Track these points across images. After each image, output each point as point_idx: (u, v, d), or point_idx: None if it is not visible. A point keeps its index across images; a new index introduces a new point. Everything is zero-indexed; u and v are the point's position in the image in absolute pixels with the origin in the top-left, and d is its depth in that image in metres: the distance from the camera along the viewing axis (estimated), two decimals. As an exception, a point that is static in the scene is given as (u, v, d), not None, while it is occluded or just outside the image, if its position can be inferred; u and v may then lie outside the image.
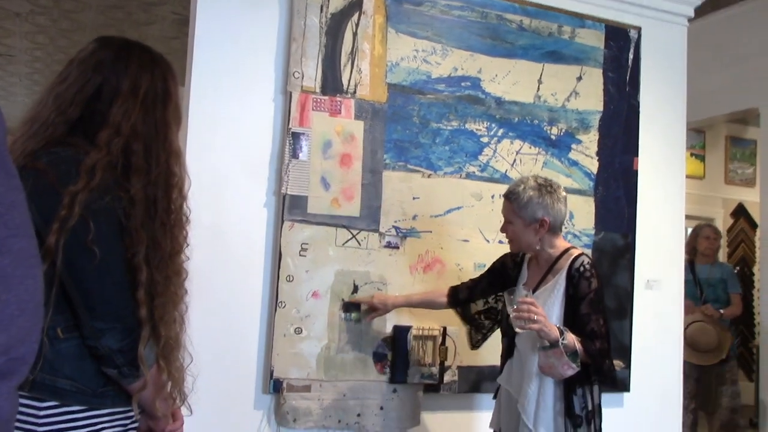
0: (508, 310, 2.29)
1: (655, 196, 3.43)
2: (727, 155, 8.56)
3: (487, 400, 3.01)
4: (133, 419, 1.61)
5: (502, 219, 2.51)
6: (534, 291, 2.43)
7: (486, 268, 2.76)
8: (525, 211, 2.41)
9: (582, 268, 2.36)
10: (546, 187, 2.43)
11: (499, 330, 2.68)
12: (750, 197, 7.93)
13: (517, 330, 2.28)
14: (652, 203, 3.42)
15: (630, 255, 3.31)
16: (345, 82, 2.82)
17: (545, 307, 2.33)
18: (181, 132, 2.28)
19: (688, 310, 4.99)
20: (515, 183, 2.49)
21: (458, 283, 2.76)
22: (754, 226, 8.04)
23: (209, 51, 2.65)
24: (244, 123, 2.70)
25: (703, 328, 4.97)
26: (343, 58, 2.83)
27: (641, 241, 3.36)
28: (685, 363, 4.95)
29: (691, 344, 4.95)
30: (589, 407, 2.36)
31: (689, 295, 5.03)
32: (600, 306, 2.38)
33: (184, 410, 1.75)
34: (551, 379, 2.34)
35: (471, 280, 2.76)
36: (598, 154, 3.29)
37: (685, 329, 4.92)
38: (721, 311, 5.04)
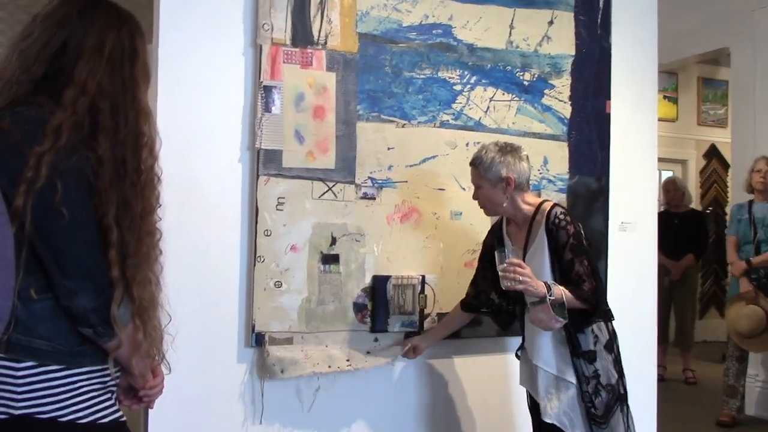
0: (498, 270, 2.40)
1: (627, 139, 3.45)
2: (699, 97, 8.62)
3: (467, 345, 3.07)
4: (113, 377, 1.62)
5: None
6: (525, 251, 2.56)
7: (477, 260, 2.87)
8: (490, 172, 2.57)
9: (557, 219, 2.51)
10: (506, 148, 2.60)
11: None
12: (722, 138, 8.01)
13: (504, 288, 2.41)
14: (625, 146, 3.44)
15: (604, 198, 3.35)
16: (315, 33, 2.79)
17: (537, 264, 2.47)
18: (150, 90, 2.25)
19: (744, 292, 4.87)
20: (478, 149, 2.66)
21: (440, 244, 2.80)
22: (726, 166, 8.14)
23: (175, 5, 2.59)
24: (214, 78, 2.66)
25: (748, 312, 4.76)
26: (313, 9, 2.79)
27: (615, 184, 3.39)
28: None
29: (737, 332, 4.84)
30: (603, 340, 2.53)
31: (741, 234, 5.00)
32: (581, 248, 2.52)
33: (163, 369, 1.76)
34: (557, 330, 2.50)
35: (471, 284, 2.86)
36: (570, 98, 3.30)
37: (734, 316, 4.86)
38: (749, 260, 4.83)
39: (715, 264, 8.27)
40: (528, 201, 2.61)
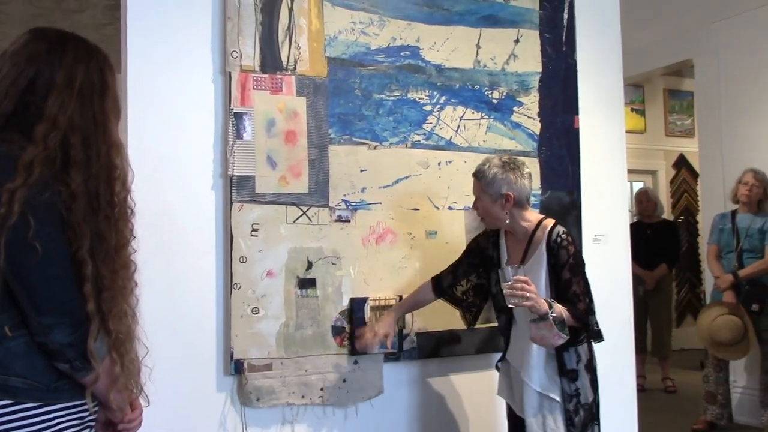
0: (502, 287, 2.43)
1: (597, 152, 3.50)
2: (666, 108, 8.76)
3: (447, 364, 3.07)
4: (91, 411, 1.61)
5: (453, 186, 2.74)
6: (522, 264, 2.59)
7: (463, 251, 2.90)
8: (491, 188, 2.60)
9: (559, 239, 2.55)
10: (509, 164, 2.62)
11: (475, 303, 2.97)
12: (690, 147, 8.13)
13: (510, 305, 2.44)
14: (595, 160, 3.49)
15: (576, 212, 3.38)
16: (284, 58, 2.81)
17: (533, 280, 2.49)
18: (120, 120, 2.25)
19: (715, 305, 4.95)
20: (482, 162, 2.68)
21: (407, 248, 2.80)
22: (695, 175, 8.25)
23: (143, 36, 2.60)
24: (184, 106, 2.66)
25: (727, 322, 4.81)
26: (281, 35, 2.81)
27: (586, 197, 3.43)
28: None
29: (714, 341, 4.88)
30: (584, 359, 2.58)
31: (723, 243, 5.05)
32: (579, 268, 2.58)
33: (141, 401, 1.75)
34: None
35: (451, 265, 2.87)
36: (539, 115, 3.34)
37: (708, 325, 4.92)
38: (736, 273, 4.86)
39: (689, 272, 8.36)
40: (527, 218, 2.64)
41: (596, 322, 2.63)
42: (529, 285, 2.38)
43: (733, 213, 5.07)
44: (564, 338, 2.42)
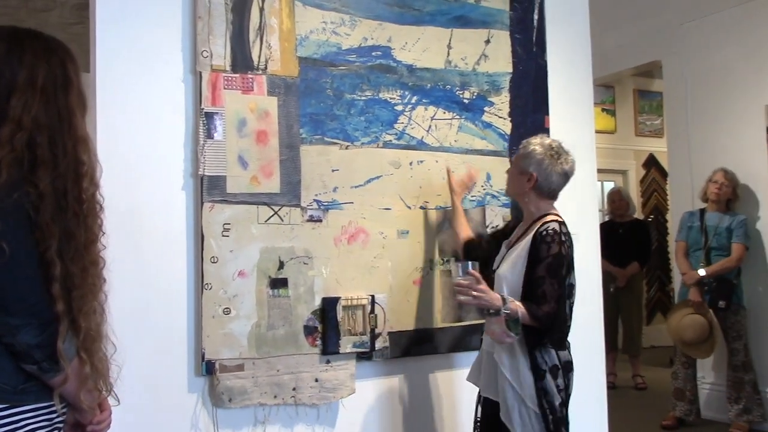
0: (453, 282, 2.46)
1: (567, 152, 3.52)
2: (636, 108, 8.86)
3: (418, 363, 3.08)
4: (59, 413, 1.59)
5: (425, 186, 2.82)
6: (510, 248, 2.62)
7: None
8: (523, 160, 2.64)
9: (544, 232, 2.51)
10: (551, 151, 2.61)
11: None
12: (660, 147, 8.23)
13: (457, 302, 2.50)
14: (565, 159, 3.51)
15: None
16: (255, 58, 2.80)
17: (513, 269, 2.51)
18: (90, 119, 2.23)
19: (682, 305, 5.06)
20: (535, 136, 2.75)
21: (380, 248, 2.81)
22: (665, 175, 8.36)
23: (112, 35, 2.58)
24: (154, 106, 2.64)
25: (691, 322, 4.92)
26: (252, 34, 2.80)
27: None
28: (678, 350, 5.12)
29: (681, 340, 4.99)
30: (550, 364, 2.51)
31: (692, 241, 5.14)
32: (557, 271, 2.49)
33: (111, 400, 1.74)
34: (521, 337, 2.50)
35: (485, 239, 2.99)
36: (510, 114, 3.37)
37: (676, 324, 5.01)
38: (702, 272, 4.95)
39: (659, 270, 8.47)
40: (541, 207, 2.64)
41: (563, 330, 2.57)
42: (478, 283, 2.40)
43: (702, 211, 5.15)
44: (513, 338, 2.42)
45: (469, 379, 2.83)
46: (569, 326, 2.61)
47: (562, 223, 2.57)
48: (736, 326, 4.94)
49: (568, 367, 2.57)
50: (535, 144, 2.62)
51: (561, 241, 2.51)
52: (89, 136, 1.68)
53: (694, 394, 5.17)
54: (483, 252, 2.87)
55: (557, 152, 2.61)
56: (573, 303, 2.63)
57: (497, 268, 2.68)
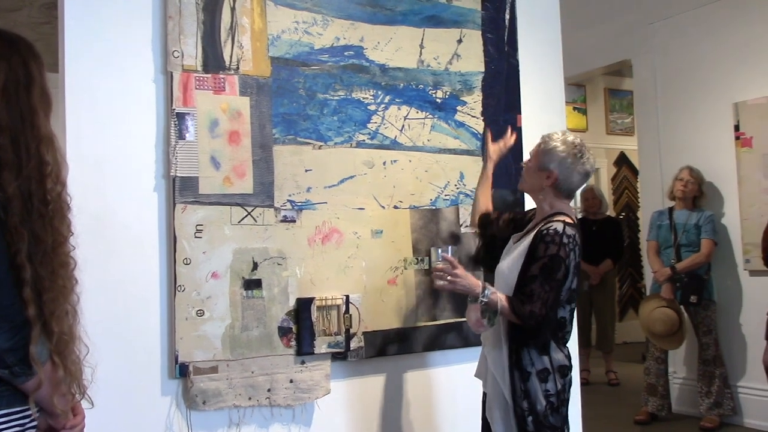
0: (432, 267, 2.46)
1: (539, 151, 3.55)
2: (606, 107, 8.94)
3: (394, 362, 3.08)
4: (32, 418, 1.57)
5: (399, 185, 2.79)
6: (516, 242, 2.59)
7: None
8: (543, 156, 2.55)
9: (545, 231, 2.42)
10: (573, 148, 2.52)
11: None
12: (631, 145, 8.32)
13: (435, 287, 2.47)
14: (538, 158, 3.53)
15: (520, 209, 3.43)
16: (227, 58, 2.78)
17: (513, 263, 2.47)
18: (58, 119, 2.20)
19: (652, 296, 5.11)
20: (557, 131, 2.62)
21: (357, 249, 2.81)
22: (636, 173, 8.44)
23: (81, 35, 2.54)
24: (125, 106, 2.61)
25: (662, 315, 4.98)
26: (223, 34, 2.78)
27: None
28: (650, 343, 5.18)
29: (650, 332, 5.06)
30: (538, 367, 2.44)
31: (662, 239, 5.19)
32: (552, 275, 2.38)
33: (85, 403, 1.72)
34: (505, 333, 2.46)
35: (502, 213, 2.92)
36: (482, 114, 3.38)
37: (647, 316, 5.07)
38: (674, 266, 5.01)
39: (630, 267, 8.56)
40: (554, 205, 2.54)
41: (552, 335, 2.48)
42: (454, 267, 2.39)
43: (670, 210, 5.22)
44: (486, 327, 2.37)
45: (477, 375, 2.72)
46: (569, 331, 2.55)
47: (569, 225, 2.45)
48: (706, 321, 5.02)
49: (563, 371, 2.49)
50: (557, 140, 2.53)
51: (561, 243, 2.39)
52: (54, 135, 1.64)
53: (666, 389, 5.23)
54: (496, 230, 2.84)
55: (580, 151, 2.52)
56: (574, 308, 2.57)
57: (500, 262, 2.61)
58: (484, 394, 2.65)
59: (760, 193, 4.95)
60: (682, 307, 4.99)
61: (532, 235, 2.50)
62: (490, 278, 2.66)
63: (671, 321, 4.93)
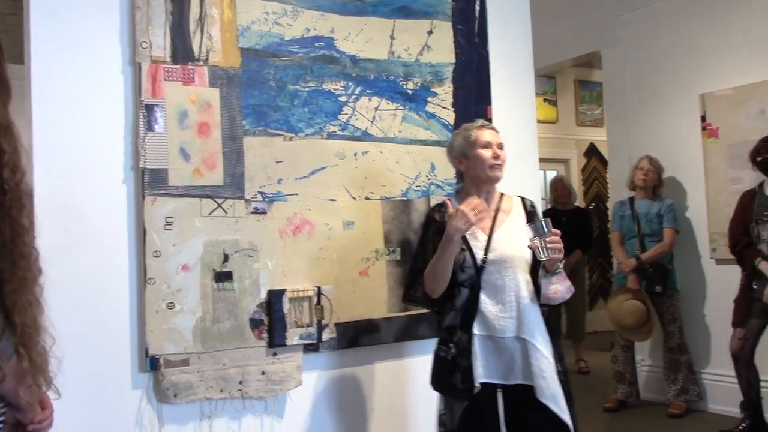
0: (535, 242, 2.44)
1: (509, 142, 3.54)
2: (576, 98, 9.01)
3: (366, 353, 3.09)
4: (-1, 413, 1.56)
5: (370, 177, 2.84)
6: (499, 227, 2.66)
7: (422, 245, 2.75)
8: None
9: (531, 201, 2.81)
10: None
11: None
12: (600, 137, 8.39)
13: (545, 257, 2.45)
14: (507, 149, 3.54)
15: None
16: (196, 49, 2.76)
17: (520, 236, 2.57)
18: (24, 110, 2.16)
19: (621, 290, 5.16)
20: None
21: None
22: (605, 163, 8.52)
23: (47, 26, 2.51)
24: (93, 98, 2.59)
25: (631, 307, 5.03)
26: (192, 25, 2.76)
27: (500, 185, 3.49)
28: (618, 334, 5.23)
29: (620, 325, 5.11)
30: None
31: (625, 230, 5.24)
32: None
33: (52, 394, 1.69)
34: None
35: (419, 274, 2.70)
36: (453, 105, 3.39)
37: (615, 309, 5.13)
38: (639, 257, 5.06)
39: (600, 257, 8.65)
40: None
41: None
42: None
43: (631, 200, 5.28)
44: (572, 289, 2.57)
45: (486, 377, 2.52)
46: None
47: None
48: (671, 310, 5.09)
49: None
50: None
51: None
52: (12, 122, 1.59)
53: (633, 377, 5.31)
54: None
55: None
56: None
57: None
58: (474, 397, 2.51)
59: (726, 183, 5.02)
60: (648, 297, 5.06)
61: (514, 209, 2.73)
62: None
63: (640, 313, 4.99)
